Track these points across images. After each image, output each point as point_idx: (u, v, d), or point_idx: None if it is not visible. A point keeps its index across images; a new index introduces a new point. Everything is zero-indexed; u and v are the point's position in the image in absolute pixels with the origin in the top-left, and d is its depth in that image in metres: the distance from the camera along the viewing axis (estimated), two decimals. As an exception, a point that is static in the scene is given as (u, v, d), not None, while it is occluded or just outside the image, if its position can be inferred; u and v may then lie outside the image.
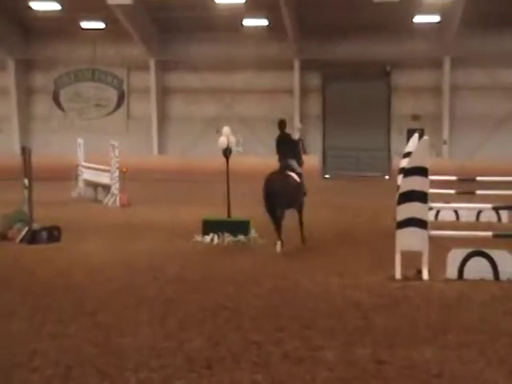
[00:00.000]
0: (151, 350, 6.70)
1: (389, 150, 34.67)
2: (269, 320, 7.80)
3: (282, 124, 13.63)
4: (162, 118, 36.31)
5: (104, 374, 6.04)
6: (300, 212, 13.41)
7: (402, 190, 10.08)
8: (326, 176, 34.08)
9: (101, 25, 34.16)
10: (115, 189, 20.66)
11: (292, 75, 34.87)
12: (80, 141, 24.34)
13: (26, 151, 14.33)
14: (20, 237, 13.49)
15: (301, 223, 13.37)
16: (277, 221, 12.49)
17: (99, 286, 9.69)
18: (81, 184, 23.93)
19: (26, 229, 13.52)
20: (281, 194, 12.40)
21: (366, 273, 10.37)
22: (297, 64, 34.72)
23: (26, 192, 14.04)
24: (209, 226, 13.69)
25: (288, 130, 13.91)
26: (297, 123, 33.15)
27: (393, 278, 9.87)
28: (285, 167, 13.12)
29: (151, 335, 7.20)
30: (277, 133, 13.74)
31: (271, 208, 12.50)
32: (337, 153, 34.41)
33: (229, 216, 14.31)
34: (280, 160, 13.36)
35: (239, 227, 13.68)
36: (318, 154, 34.71)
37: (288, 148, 13.42)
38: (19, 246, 13.17)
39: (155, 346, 6.81)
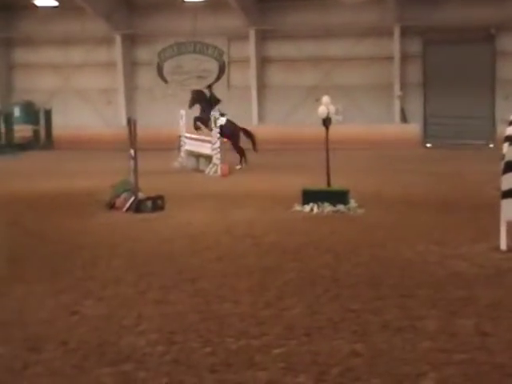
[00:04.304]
0: (251, 317, 6.83)
1: (493, 117, 33.49)
2: (368, 289, 7.79)
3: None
4: (262, 88, 36.38)
5: (206, 339, 6.21)
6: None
7: (508, 158, 9.77)
8: (428, 145, 33.22)
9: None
10: (216, 159, 20.96)
11: (392, 42, 34.11)
12: (182, 112, 24.72)
13: (131, 122, 14.72)
14: (127, 206, 13.94)
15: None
16: None
17: (200, 253, 9.91)
18: (183, 154, 24.38)
19: (132, 198, 13.95)
20: None
21: (467, 243, 10.17)
22: (397, 30, 33.90)
23: (131, 162, 14.45)
24: (308, 196, 13.71)
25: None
26: (397, 91, 32.53)
27: (497, 248, 9.61)
28: None
29: (251, 303, 7.32)
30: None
31: None
32: (439, 120, 33.43)
33: (328, 186, 14.30)
34: None
35: (339, 197, 13.63)
36: (419, 122, 33.94)
37: None
38: (126, 214, 13.58)
39: (255, 314, 6.93)
